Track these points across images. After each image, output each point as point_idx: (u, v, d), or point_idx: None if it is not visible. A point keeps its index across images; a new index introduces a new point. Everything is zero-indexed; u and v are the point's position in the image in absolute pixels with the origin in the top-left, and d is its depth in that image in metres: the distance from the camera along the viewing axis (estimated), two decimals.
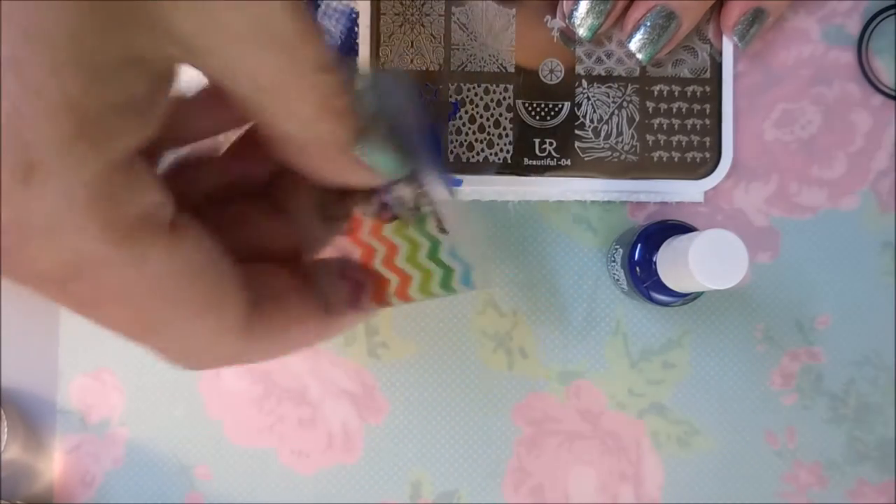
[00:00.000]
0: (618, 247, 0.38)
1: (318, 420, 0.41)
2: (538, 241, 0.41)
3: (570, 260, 0.41)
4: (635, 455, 0.41)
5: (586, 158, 0.40)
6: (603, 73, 0.39)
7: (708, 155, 0.40)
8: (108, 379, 0.40)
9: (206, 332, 0.20)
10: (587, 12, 0.37)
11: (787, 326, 0.41)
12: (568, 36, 0.39)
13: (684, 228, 0.35)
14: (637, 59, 0.38)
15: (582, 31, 0.37)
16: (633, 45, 0.37)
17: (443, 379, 0.41)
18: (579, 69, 0.39)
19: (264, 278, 0.24)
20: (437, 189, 0.27)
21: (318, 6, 0.40)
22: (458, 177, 0.39)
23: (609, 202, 0.41)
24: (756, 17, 0.37)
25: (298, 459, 0.41)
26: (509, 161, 0.39)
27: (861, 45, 0.41)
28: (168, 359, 0.22)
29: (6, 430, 0.39)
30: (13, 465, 0.40)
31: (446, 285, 0.29)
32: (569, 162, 0.40)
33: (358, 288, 0.28)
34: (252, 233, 0.25)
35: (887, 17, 0.41)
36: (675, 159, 0.40)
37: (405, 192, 0.27)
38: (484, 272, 0.29)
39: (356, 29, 0.40)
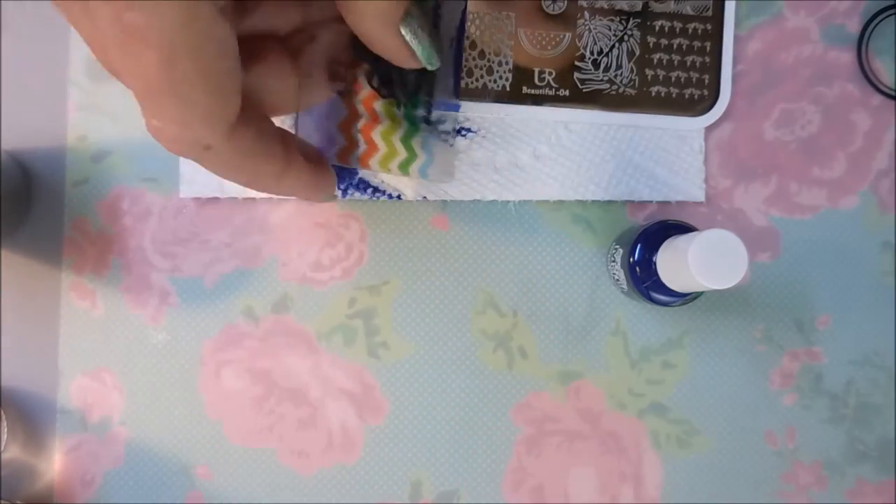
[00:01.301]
0: (618, 247, 0.38)
1: (318, 420, 0.41)
2: (538, 241, 0.41)
3: (570, 260, 0.41)
4: (635, 455, 0.41)
5: (584, 90, 0.40)
6: (605, 6, 0.40)
7: (706, 92, 0.40)
8: (108, 379, 0.40)
9: (206, 110, 0.23)
10: None
11: (787, 326, 0.41)
12: None
13: (684, 228, 0.35)
14: None
15: None
16: None
17: (443, 379, 0.41)
18: (582, 1, 0.40)
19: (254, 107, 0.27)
20: (441, 93, 0.31)
21: None
22: (457, 102, 0.40)
23: (609, 202, 0.41)
24: None
25: (298, 459, 0.41)
26: (508, 89, 0.40)
27: (861, 45, 0.41)
28: (164, 127, 0.23)
29: (6, 430, 0.39)
30: (13, 465, 0.40)
31: (404, 167, 0.33)
32: (567, 93, 0.40)
33: (329, 142, 0.32)
34: (261, 68, 0.27)
35: (887, 17, 0.41)
36: (674, 95, 0.40)
37: (411, 76, 0.30)
38: (442, 171, 0.33)
39: None
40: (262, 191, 0.29)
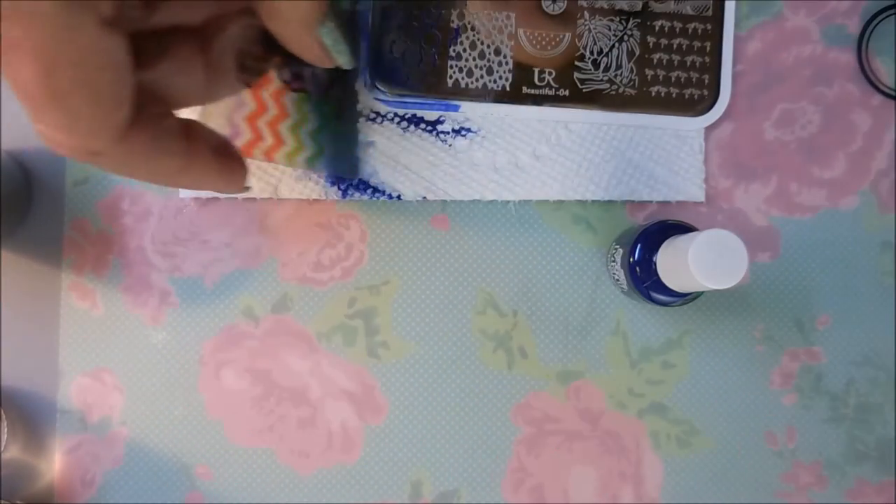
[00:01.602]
0: (618, 247, 0.38)
1: (318, 420, 0.41)
2: (538, 241, 0.41)
3: (570, 260, 0.41)
4: (635, 455, 0.41)
5: (584, 90, 0.40)
6: (605, 6, 0.40)
7: (706, 92, 0.40)
8: (108, 379, 0.40)
9: (90, 119, 0.23)
10: None
11: (787, 326, 0.41)
12: None
13: (684, 228, 0.35)
14: None
15: None
16: None
17: (443, 379, 0.41)
18: (582, 1, 0.40)
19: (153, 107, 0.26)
20: (355, 86, 0.31)
21: None
22: (457, 102, 0.40)
23: (609, 202, 0.41)
24: None
25: (298, 459, 0.41)
26: (508, 89, 0.40)
27: (861, 45, 0.41)
28: (49, 133, 0.23)
29: (6, 430, 0.39)
30: (13, 465, 0.40)
31: (310, 163, 0.33)
32: (567, 93, 0.40)
33: (234, 135, 0.32)
34: (168, 64, 0.27)
35: (887, 17, 0.41)
36: (674, 95, 0.40)
37: (323, 73, 0.30)
38: (349, 167, 0.33)
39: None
40: (166, 185, 0.28)
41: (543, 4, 0.40)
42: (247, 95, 0.33)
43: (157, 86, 0.26)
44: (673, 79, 0.40)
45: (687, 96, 0.40)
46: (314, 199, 0.40)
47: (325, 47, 0.27)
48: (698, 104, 0.40)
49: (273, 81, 0.32)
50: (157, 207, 0.41)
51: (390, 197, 0.40)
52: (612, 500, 0.41)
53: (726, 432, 0.41)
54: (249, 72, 0.29)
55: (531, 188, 0.40)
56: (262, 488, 0.40)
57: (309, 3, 0.25)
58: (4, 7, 0.20)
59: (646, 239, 0.36)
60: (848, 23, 0.41)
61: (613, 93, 0.40)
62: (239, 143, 0.33)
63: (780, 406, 0.41)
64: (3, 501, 0.39)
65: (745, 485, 0.41)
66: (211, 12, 0.28)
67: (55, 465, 0.40)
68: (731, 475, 0.41)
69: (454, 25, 0.40)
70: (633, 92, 0.40)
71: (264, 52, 0.29)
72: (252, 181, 0.39)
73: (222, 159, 0.29)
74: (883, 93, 0.41)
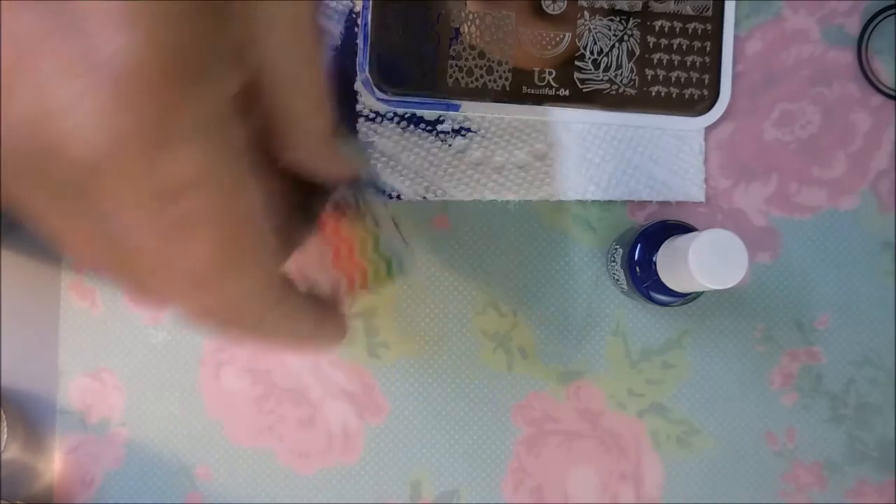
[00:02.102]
0: (618, 247, 0.38)
1: (318, 420, 0.41)
2: (538, 240, 0.41)
3: (570, 260, 0.41)
4: (635, 455, 0.41)
5: (584, 90, 0.40)
6: (605, 6, 0.40)
7: (706, 92, 0.40)
8: (108, 379, 0.40)
9: (260, 282, 0.21)
10: None
11: (786, 326, 0.41)
12: None
13: (684, 228, 0.35)
14: None
15: None
16: None
17: (443, 379, 0.41)
18: (582, 1, 0.40)
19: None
20: (370, 190, 0.31)
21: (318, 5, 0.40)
22: (457, 102, 0.40)
23: (609, 202, 0.41)
24: None
25: (298, 459, 0.41)
26: (508, 88, 0.40)
27: (861, 45, 0.41)
28: (217, 315, 0.22)
29: (6, 430, 0.39)
30: (13, 465, 0.40)
31: (390, 273, 0.33)
32: (567, 92, 0.40)
33: (336, 284, 0.31)
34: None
35: (887, 17, 0.41)
36: (674, 95, 0.40)
37: (347, 191, 0.31)
38: (409, 258, 0.33)
39: (356, 29, 0.40)
40: (297, 350, 0.27)
41: (543, 4, 0.40)
42: (318, 243, 0.32)
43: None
44: (673, 79, 0.40)
45: (687, 96, 0.40)
46: None
47: (345, 156, 0.27)
48: (698, 104, 0.40)
49: (327, 221, 0.32)
50: None
51: (390, 197, 0.40)
52: (612, 500, 0.41)
53: (726, 432, 0.41)
54: (311, 219, 0.30)
55: (531, 188, 0.40)
56: (262, 488, 0.40)
57: (320, 114, 0.24)
58: (181, 186, 0.17)
59: (646, 239, 0.36)
60: (848, 23, 0.41)
61: (613, 93, 0.40)
62: (341, 288, 0.33)
63: (780, 406, 0.41)
64: (3, 501, 0.39)
65: (746, 485, 0.41)
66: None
67: (55, 465, 0.40)
68: (731, 475, 0.41)
69: (454, 25, 0.40)
70: (633, 92, 0.40)
71: (308, 196, 0.30)
72: None
73: (332, 313, 0.28)
74: (883, 93, 0.41)
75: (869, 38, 0.41)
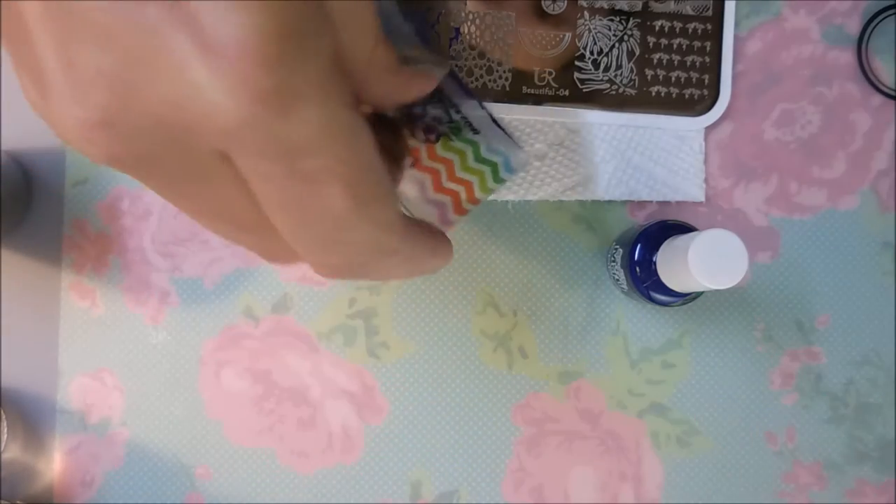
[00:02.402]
0: (618, 247, 0.38)
1: (318, 420, 0.41)
2: (538, 241, 0.41)
3: (570, 260, 0.41)
4: (635, 455, 0.41)
5: (584, 90, 0.40)
6: (605, 6, 0.40)
7: (706, 92, 0.40)
8: (108, 379, 0.40)
9: (388, 217, 0.22)
10: None
11: (787, 326, 0.41)
12: None
13: (684, 228, 0.35)
14: None
15: None
16: None
17: (443, 379, 0.41)
18: (582, 1, 0.40)
19: None
20: (458, 97, 0.31)
21: None
22: (456, 102, 0.40)
23: (609, 202, 0.41)
24: None
25: (298, 459, 0.41)
26: (507, 88, 0.40)
27: (861, 45, 0.41)
28: (356, 250, 0.23)
29: (6, 430, 0.39)
30: (13, 465, 0.40)
31: (497, 178, 0.32)
32: (567, 92, 0.40)
33: (442, 208, 0.32)
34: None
35: (887, 17, 0.41)
36: (673, 95, 0.40)
37: (436, 110, 0.31)
38: (517, 157, 0.32)
39: None
40: (418, 274, 0.27)
41: (543, 4, 0.40)
42: (416, 173, 0.33)
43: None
44: (673, 79, 0.40)
45: (687, 96, 0.40)
46: None
47: (414, 68, 0.27)
48: (698, 104, 0.40)
49: (420, 148, 0.33)
50: (157, 207, 0.41)
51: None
52: (612, 500, 0.41)
53: (726, 432, 0.41)
54: (399, 158, 0.30)
55: (531, 188, 0.40)
56: (262, 489, 0.40)
57: (379, 45, 0.24)
58: (310, 141, 0.19)
59: (646, 239, 0.36)
60: (848, 23, 0.41)
61: (613, 93, 0.40)
62: (447, 211, 0.33)
63: (780, 406, 0.41)
64: (3, 501, 0.39)
65: (746, 485, 0.41)
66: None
67: (55, 465, 0.40)
68: (731, 475, 0.41)
69: (454, 25, 0.40)
70: (633, 92, 0.40)
71: (394, 134, 0.30)
72: None
73: (442, 239, 0.28)
74: (883, 93, 0.41)
75: (869, 38, 0.41)
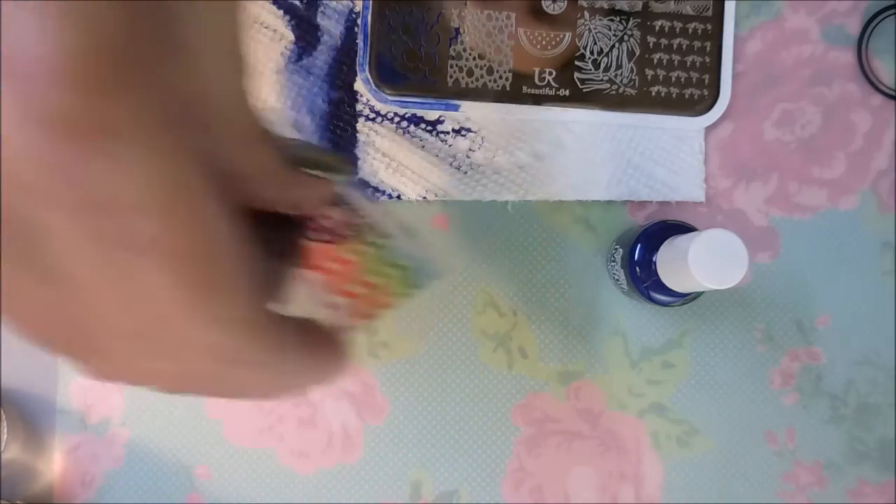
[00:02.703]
0: (618, 247, 0.38)
1: (318, 420, 0.41)
2: (538, 241, 0.41)
3: (569, 260, 0.41)
4: (635, 455, 0.41)
5: (585, 90, 0.40)
6: (605, 6, 0.40)
7: (706, 92, 0.40)
8: None
9: (238, 320, 0.18)
10: None
11: (787, 326, 0.41)
12: None
13: (684, 228, 0.35)
14: None
15: None
16: None
17: (443, 379, 0.41)
18: (582, 1, 0.40)
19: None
20: (362, 203, 0.29)
21: (318, 5, 0.40)
22: (457, 102, 0.40)
23: (609, 202, 0.41)
24: None
25: (298, 459, 0.41)
26: (508, 88, 0.40)
27: (861, 45, 0.41)
28: (190, 357, 0.18)
29: (6, 430, 0.39)
30: (13, 465, 0.40)
31: (409, 283, 0.30)
32: (567, 92, 0.40)
33: (339, 312, 0.29)
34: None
35: (887, 17, 0.41)
36: (674, 95, 0.40)
37: (336, 213, 0.28)
38: (439, 260, 0.30)
39: (356, 29, 0.40)
40: (286, 393, 0.23)
41: (543, 4, 0.40)
42: (308, 273, 0.29)
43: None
44: (673, 79, 0.40)
45: (687, 96, 0.40)
46: None
47: (307, 173, 0.24)
48: (698, 104, 0.40)
49: (314, 247, 0.29)
50: None
51: (390, 197, 0.40)
52: (612, 500, 0.41)
53: (726, 432, 0.41)
54: (284, 255, 0.28)
55: (531, 188, 0.40)
56: (262, 488, 0.40)
57: (262, 149, 0.20)
58: (126, 194, 0.15)
59: (646, 239, 0.36)
60: (848, 23, 0.41)
61: (613, 93, 0.40)
62: (345, 315, 0.29)
63: (780, 406, 0.41)
64: (3, 501, 0.39)
65: (746, 485, 0.41)
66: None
67: (55, 465, 0.40)
68: (731, 475, 0.41)
69: (454, 25, 0.40)
70: (633, 92, 0.40)
71: (280, 230, 0.27)
72: None
73: (332, 345, 0.24)
74: (883, 93, 0.41)
75: (869, 38, 0.41)
